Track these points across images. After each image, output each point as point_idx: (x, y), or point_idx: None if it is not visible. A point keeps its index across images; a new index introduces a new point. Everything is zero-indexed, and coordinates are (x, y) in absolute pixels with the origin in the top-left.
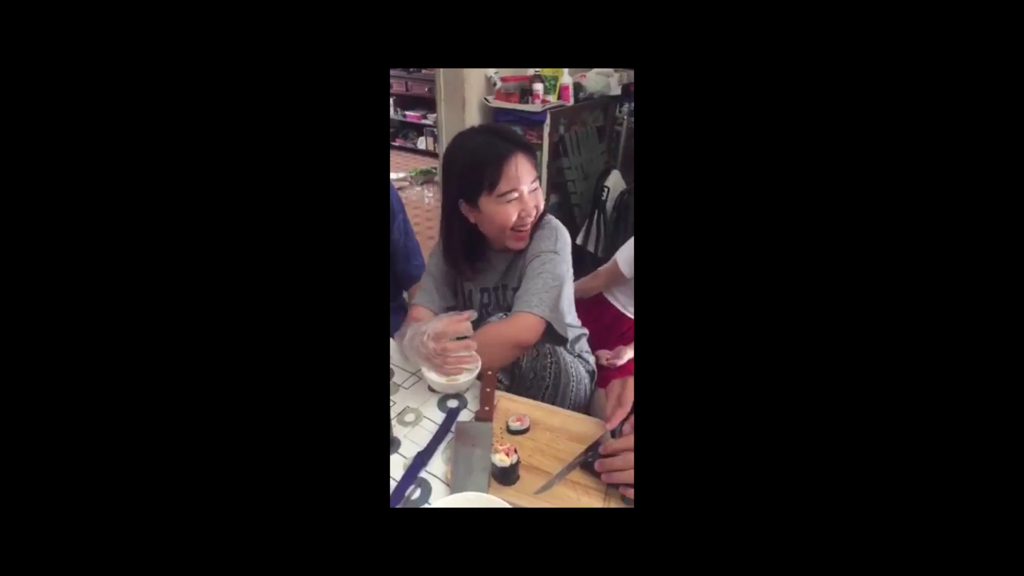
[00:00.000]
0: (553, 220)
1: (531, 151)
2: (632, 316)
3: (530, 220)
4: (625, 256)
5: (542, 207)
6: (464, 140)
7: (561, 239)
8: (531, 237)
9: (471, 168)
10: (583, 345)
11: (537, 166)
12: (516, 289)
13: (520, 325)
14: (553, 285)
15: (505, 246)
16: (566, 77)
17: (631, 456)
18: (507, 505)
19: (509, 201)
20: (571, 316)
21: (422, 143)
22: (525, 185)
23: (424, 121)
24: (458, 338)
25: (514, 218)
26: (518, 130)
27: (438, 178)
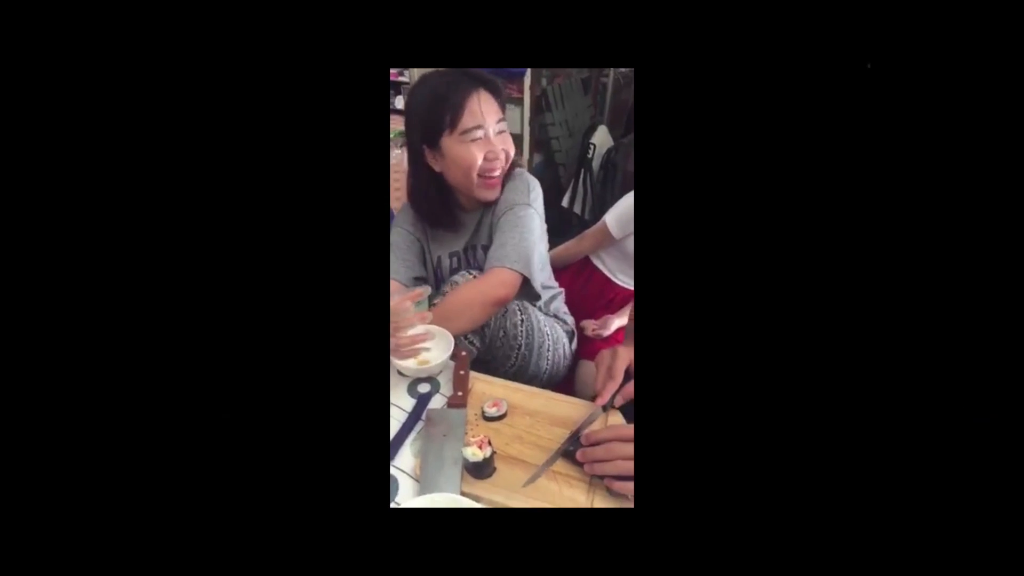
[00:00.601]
0: (525, 172)
1: (496, 89)
2: (620, 283)
3: (499, 165)
4: (614, 216)
5: (512, 153)
6: (425, 80)
7: (534, 190)
8: (502, 189)
9: (431, 107)
10: (559, 305)
11: (504, 107)
12: (487, 248)
13: (495, 281)
14: (528, 239)
15: (475, 198)
16: None
17: (614, 446)
18: (498, 505)
19: (473, 140)
20: (545, 275)
21: (400, 103)
22: (490, 124)
23: (401, 79)
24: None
25: (479, 160)
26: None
27: None
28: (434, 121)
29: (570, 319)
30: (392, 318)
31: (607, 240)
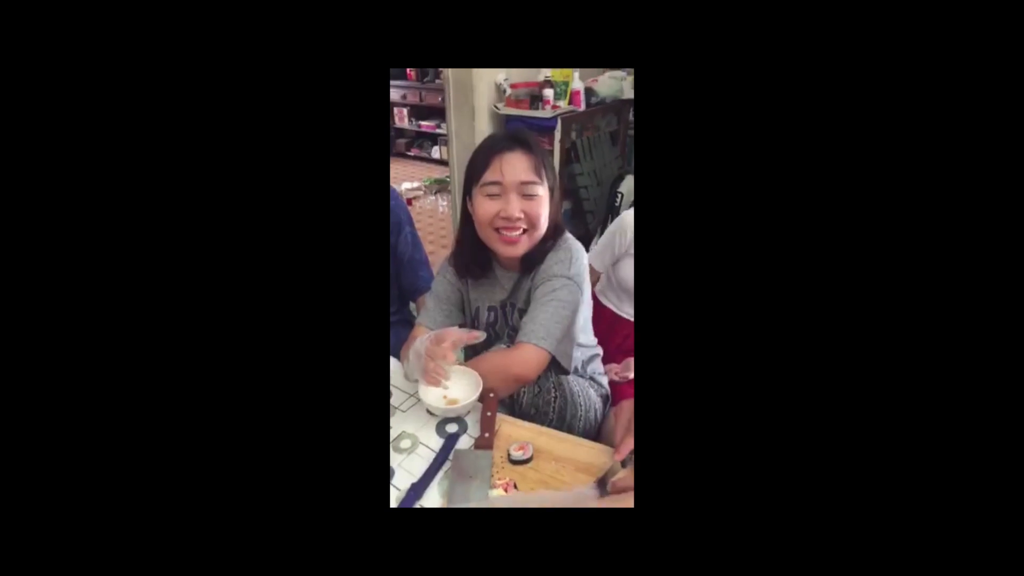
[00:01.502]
0: (570, 240)
1: (530, 149)
2: (626, 316)
3: (515, 224)
4: (593, 253)
5: (539, 218)
6: (482, 141)
7: (576, 263)
8: (544, 257)
9: (471, 161)
10: (596, 366)
11: (539, 169)
12: (524, 310)
13: (519, 358)
14: (563, 315)
15: (500, 254)
16: (577, 82)
17: None
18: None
19: (490, 195)
20: (585, 336)
21: (436, 152)
22: (510, 182)
23: (438, 131)
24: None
25: (491, 214)
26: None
27: (452, 187)
28: (469, 173)
29: (605, 380)
30: (442, 342)
31: (592, 274)
